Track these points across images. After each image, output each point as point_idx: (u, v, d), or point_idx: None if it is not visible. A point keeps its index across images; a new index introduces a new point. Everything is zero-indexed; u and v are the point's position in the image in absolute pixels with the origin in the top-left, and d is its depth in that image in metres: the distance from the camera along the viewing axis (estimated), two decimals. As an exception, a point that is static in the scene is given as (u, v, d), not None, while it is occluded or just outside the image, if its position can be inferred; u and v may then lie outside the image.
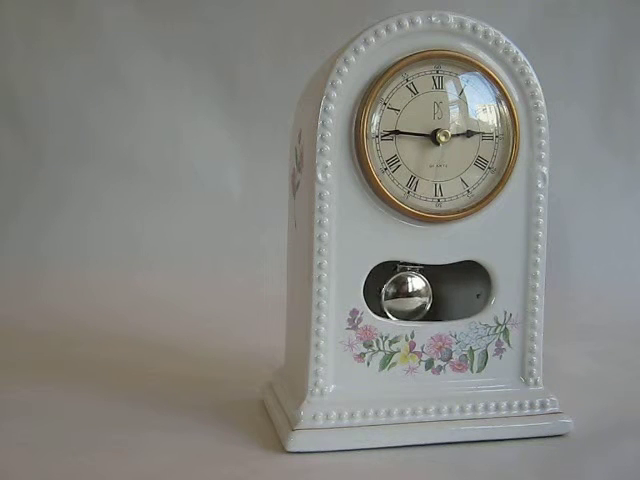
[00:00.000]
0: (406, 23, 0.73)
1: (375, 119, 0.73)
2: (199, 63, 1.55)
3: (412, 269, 0.79)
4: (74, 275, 1.48)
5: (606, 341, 1.21)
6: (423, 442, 0.74)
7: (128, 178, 1.55)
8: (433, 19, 0.73)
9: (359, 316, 0.75)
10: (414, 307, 0.80)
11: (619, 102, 1.56)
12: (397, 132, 0.73)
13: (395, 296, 0.79)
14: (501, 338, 0.78)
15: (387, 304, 0.79)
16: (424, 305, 0.80)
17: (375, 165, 0.73)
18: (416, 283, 0.80)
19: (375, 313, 0.76)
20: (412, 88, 0.73)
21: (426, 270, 0.80)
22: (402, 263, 0.79)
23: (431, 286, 0.81)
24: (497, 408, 0.77)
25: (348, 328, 0.75)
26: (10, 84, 1.55)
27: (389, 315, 0.79)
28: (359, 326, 0.75)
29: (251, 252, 1.50)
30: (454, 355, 0.77)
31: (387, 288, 0.79)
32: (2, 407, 0.87)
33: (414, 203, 0.74)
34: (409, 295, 0.79)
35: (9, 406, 0.87)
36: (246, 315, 1.31)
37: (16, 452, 0.73)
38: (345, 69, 0.72)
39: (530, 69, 0.76)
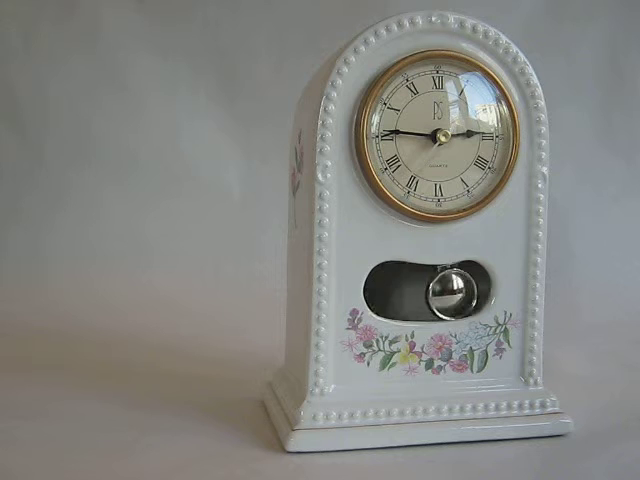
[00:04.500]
0: (406, 23, 0.73)
1: (375, 119, 0.73)
2: (199, 63, 1.55)
3: (451, 266, 0.79)
4: (75, 275, 1.48)
5: (606, 341, 1.21)
6: (423, 442, 0.74)
7: (129, 178, 1.56)
8: (433, 19, 0.73)
9: (359, 316, 0.75)
10: (456, 303, 0.79)
11: (619, 102, 1.56)
12: (397, 132, 0.73)
13: (440, 294, 0.79)
14: (501, 338, 0.78)
15: (432, 301, 0.79)
16: (469, 302, 0.80)
17: (375, 165, 0.73)
18: (459, 281, 0.79)
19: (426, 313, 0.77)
20: (412, 88, 0.73)
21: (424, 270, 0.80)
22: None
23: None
24: (497, 408, 0.77)
25: (348, 328, 0.75)
26: (10, 84, 1.55)
27: (437, 313, 0.79)
28: (359, 326, 0.75)
29: (251, 252, 1.50)
30: (454, 355, 0.77)
31: (434, 286, 0.79)
32: (3, 407, 0.87)
33: (414, 203, 0.74)
34: (452, 292, 0.79)
35: (11, 406, 0.87)
36: (246, 315, 1.31)
37: (18, 452, 0.73)
38: (345, 69, 0.72)
39: (530, 69, 0.76)
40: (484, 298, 0.80)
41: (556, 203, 1.12)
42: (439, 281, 0.79)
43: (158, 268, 1.49)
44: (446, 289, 0.79)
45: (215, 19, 1.54)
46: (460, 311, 0.79)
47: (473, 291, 0.80)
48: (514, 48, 0.76)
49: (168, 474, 0.68)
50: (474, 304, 0.80)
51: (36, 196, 1.56)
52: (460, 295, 0.79)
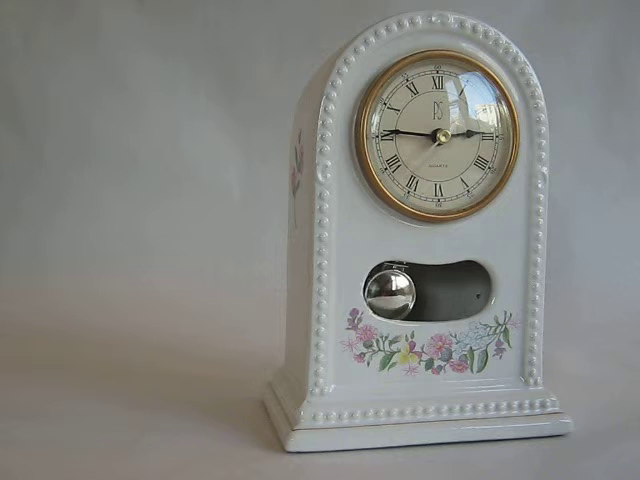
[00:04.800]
0: (406, 23, 0.73)
1: (375, 119, 0.73)
2: (199, 63, 1.55)
3: (397, 267, 0.79)
4: (75, 275, 1.48)
5: (606, 341, 1.21)
6: (423, 442, 0.74)
7: (129, 178, 1.56)
8: (433, 19, 0.73)
9: (359, 316, 0.75)
10: (397, 306, 0.79)
11: (619, 102, 1.56)
12: (397, 132, 0.73)
13: (378, 294, 0.79)
14: (501, 338, 0.78)
15: (369, 302, 0.78)
16: (407, 304, 0.80)
17: (375, 165, 0.73)
18: (400, 282, 0.79)
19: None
20: (412, 88, 0.73)
21: (424, 270, 0.80)
22: (388, 261, 0.78)
23: (427, 286, 0.80)
24: (497, 408, 0.77)
25: (348, 328, 0.75)
26: (10, 84, 1.55)
27: (371, 313, 0.78)
28: (359, 326, 0.75)
29: (251, 252, 1.50)
30: (454, 355, 0.77)
31: (370, 286, 0.78)
32: (3, 407, 0.87)
33: (414, 203, 0.74)
34: (392, 293, 0.79)
35: (11, 406, 0.87)
36: (246, 315, 1.31)
37: (18, 452, 0.73)
38: (345, 69, 0.72)
39: (530, 69, 0.76)
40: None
41: (556, 203, 1.12)
42: (376, 281, 0.79)
43: (158, 268, 1.49)
44: (384, 290, 0.79)
45: (215, 19, 1.54)
46: (399, 312, 0.79)
47: (412, 294, 0.80)
48: (514, 48, 0.76)
49: (168, 474, 0.68)
50: (411, 306, 0.80)
51: (36, 196, 1.56)
52: (399, 297, 0.79)
